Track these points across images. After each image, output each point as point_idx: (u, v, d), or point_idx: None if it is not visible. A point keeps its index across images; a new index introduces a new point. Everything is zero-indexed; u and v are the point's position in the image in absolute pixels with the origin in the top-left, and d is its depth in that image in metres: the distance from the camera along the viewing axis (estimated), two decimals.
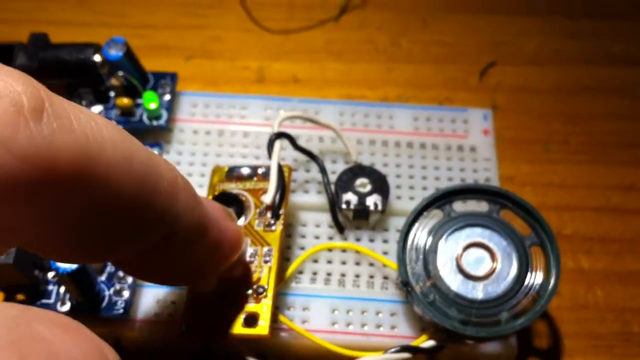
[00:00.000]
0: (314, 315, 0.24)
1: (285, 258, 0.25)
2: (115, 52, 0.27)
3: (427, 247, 0.24)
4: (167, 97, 0.28)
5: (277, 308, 0.24)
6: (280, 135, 0.26)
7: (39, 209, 0.13)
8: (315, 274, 0.25)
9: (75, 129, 0.13)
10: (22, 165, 0.12)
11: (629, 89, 0.33)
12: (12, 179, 0.12)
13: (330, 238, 0.26)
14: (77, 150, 0.13)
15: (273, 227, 0.24)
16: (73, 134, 0.13)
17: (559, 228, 0.28)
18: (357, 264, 0.25)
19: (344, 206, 0.26)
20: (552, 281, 0.23)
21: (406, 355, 0.23)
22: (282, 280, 0.24)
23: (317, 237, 0.26)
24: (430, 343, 0.23)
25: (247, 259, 0.23)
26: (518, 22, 0.35)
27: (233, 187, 0.25)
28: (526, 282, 0.23)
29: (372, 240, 0.26)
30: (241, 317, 0.22)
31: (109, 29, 0.34)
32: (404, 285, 0.23)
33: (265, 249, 0.23)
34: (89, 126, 0.14)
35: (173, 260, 0.18)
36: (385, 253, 0.26)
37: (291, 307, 0.24)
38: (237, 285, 0.23)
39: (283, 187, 0.24)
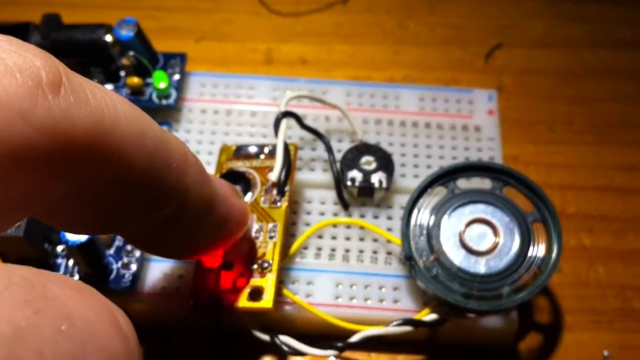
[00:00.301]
0: (318, 290, 0.25)
1: (290, 234, 0.26)
2: (126, 33, 0.28)
3: (430, 222, 0.24)
4: (177, 76, 0.29)
5: (282, 282, 0.25)
6: (286, 114, 0.26)
7: (55, 180, 0.14)
8: (319, 249, 0.26)
9: (91, 103, 0.14)
10: (40, 136, 0.13)
11: (634, 71, 0.33)
12: (30, 149, 0.13)
13: (335, 215, 0.27)
14: (92, 123, 0.14)
15: (278, 204, 0.24)
16: (89, 107, 0.14)
17: (562, 207, 0.29)
18: (361, 239, 0.26)
19: (349, 183, 0.26)
20: (554, 256, 0.23)
21: (408, 328, 0.23)
22: (286, 256, 0.25)
23: (322, 214, 0.27)
24: (432, 317, 0.24)
25: (253, 234, 0.24)
26: (524, 5, 0.36)
27: (240, 165, 0.25)
28: (528, 257, 0.23)
29: (376, 217, 0.26)
30: (246, 291, 0.23)
31: (121, 10, 0.34)
32: (408, 259, 0.24)
33: (271, 225, 0.24)
34: (104, 101, 0.14)
35: (181, 234, 0.19)
36: (389, 229, 0.26)
37: (296, 282, 0.25)
38: (243, 260, 0.23)
39: (289, 165, 0.25)
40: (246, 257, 0.23)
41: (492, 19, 0.35)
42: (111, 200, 0.16)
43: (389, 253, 0.26)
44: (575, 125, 0.31)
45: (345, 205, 0.26)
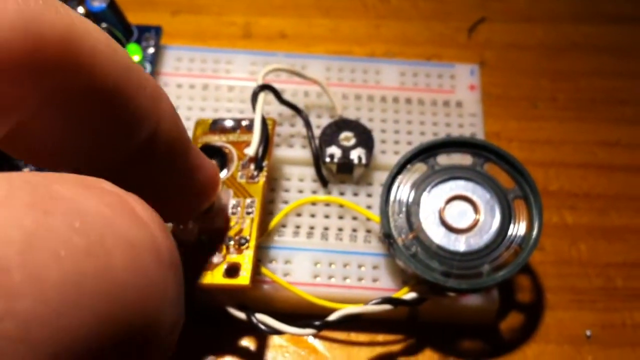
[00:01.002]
0: (296, 268, 0.24)
1: (268, 212, 0.25)
2: (98, 4, 0.27)
3: (410, 200, 0.23)
4: (151, 50, 0.28)
5: (260, 261, 0.24)
6: (264, 87, 0.25)
7: (28, 86, 0.13)
8: (298, 227, 0.25)
9: (61, 11, 0.14)
10: (11, 34, 0.13)
11: (618, 46, 0.32)
12: (2, 49, 0.12)
13: (314, 192, 0.26)
14: (64, 28, 0.14)
15: (256, 179, 0.24)
16: (59, 14, 0.14)
17: (545, 184, 0.28)
18: (341, 217, 0.25)
19: (327, 160, 0.25)
20: (534, 234, 0.23)
21: (387, 307, 0.23)
22: (264, 232, 0.24)
23: (300, 191, 0.26)
24: (412, 295, 0.23)
25: (230, 210, 0.23)
26: None
27: (216, 140, 0.25)
28: (508, 235, 0.23)
29: (356, 195, 0.26)
30: (222, 268, 0.22)
31: None
32: (387, 237, 0.23)
33: (248, 200, 0.23)
34: (74, 14, 0.14)
35: (154, 173, 0.18)
36: (369, 207, 0.26)
37: (273, 260, 0.24)
38: (218, 237, 0.23)
39: (267, 140, 0.24)
40: (221, 233, 0.23)
41: None
42: (85, 117, 0.15)
43: (368, 231, 0.25)
44: (558, 101, 0.31)
45: (324, 182, 0.26)
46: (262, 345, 0.25)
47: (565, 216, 0.28)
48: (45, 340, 0.09)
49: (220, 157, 0.24)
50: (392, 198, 0.24)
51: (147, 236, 0.12)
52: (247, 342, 0.25)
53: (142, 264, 0.12)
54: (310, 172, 0.26)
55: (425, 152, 0.24)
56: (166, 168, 0.19)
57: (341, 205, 0.25)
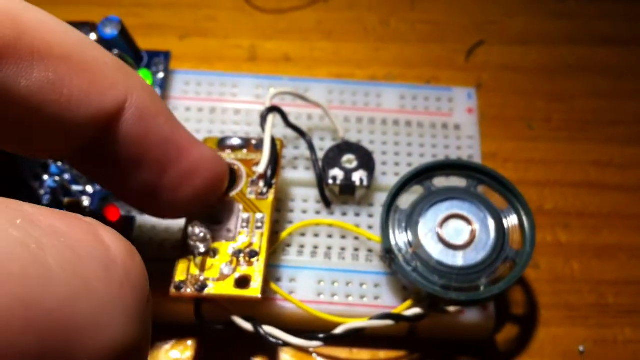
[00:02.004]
0: (300, 287, 0.25)
1: (274, 231, 0.26)
2: (110, 31, 0.28)
3: (409, 218, 0.25)
4: (161, 75, 0.29)
5: (268, 275, 0.25)
6: (273, 109, 0.26)
7: None
8: (302, 247, 0.26)
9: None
10: None
11: (611, 68, 0.34)
12: None
13: (318, 212, 0.27)
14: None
15: (265, 196, 0.24)
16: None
17: (540, 203, 0.29)
18: (343, 237, 0.26)
19: (330, 181, 0.26)
20: (528, 249, 0.24)
21: (389, 322, 0.24)
22: (272, 247, 0.25)
23: (304, 212, 0.27)
24: (413, 311, 0.24)
25: (240, 224, 0.24)
26: (505, 1, 0.36)
27: (225, 157, 0.26)
28: (503, 251, 0.24)
29: (357, 215, 0.27)
30: (233, 279, 0.23)
31: (104, 8, 0.34)
32: (388, 252, 0.24)
33: (258, 215, 0.24)
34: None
35: (139, 150, 0.19)
36: (370, 227, 0.27)
37: (279, 279, 0.25)
38: (228, 249, 0.23)
39: (276, 158, 0.25)
40: (228, 246, 0.23)
41: (473, 16, 0.35)
42: (35, 84, 0.16)
43: (370, 250, 0.26)
44: (553, 122, 0.32)
45: (327, 203, 0.27)
46: None
47: (559, 235, 0.29)
48: None
49: (230, 173, 0.25)
50: (392, 216, 0.25)
51: (100, 252, 0.12)
52: (251, 357, 0.26)
53: (84, 270, 0.12)
54: (313, 193, 0.27)
55: (422, 175, 0.25)
56: (152, 145, 0.19)
57: (343, 228, 0.26)
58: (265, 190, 0.25)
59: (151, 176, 0.20)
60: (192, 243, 0.23)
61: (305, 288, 0.25)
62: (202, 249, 0.23)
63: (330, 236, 0.26)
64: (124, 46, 0.28)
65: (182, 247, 0.24)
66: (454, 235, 0.24)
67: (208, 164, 0.21)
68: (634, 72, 0.34)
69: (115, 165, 0.19)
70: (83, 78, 0.17)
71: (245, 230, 0.24)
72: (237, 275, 0.23)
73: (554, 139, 0.31)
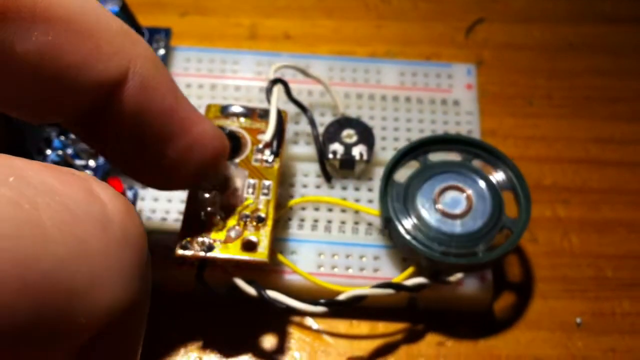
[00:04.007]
0: (301, 259, 0.26)
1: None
2: (111, 7, 0.28)
3: (407, 190, 0.25)
4: (162, 51, 0.29)
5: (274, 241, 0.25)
6: (277, 80, 0.26)
7: None
8: (303, 220, 0.27)
9: None
10: None
11: (612, 46, 0.34)
12: None
13: (318, 187, 0.27)
14: None
15: (271, 164, 0.25)
16: None
17: (539, 179, 0.29)
18: (343, 211, 0.27)
19: (331, 156, 0.27)
20: (523, 218, 0.24)
21: (390, 291, 0.24)
22: (278, 211, 0.26)
23: (305, 186, 0.27)
24: (413, 281, 0.24)
25: (246, 190, 0.24)
26: None
27: (229, 124, 0.26)
28: (500, 220, 0.24)
29: (357, 189, 0.27)
30: (240, 242, 0.23)
31: None
32: (387, 221, 0.24)
33: (265, 182, 0.24)
34: None
35: (141, 122, 0.18)
36: (370, 201, 0.27)
37: (280, 252, 0.26)
38: (235, 213, 0.23)
39: (281, 129, 0.25)
40: (237, 211, 0.23)
41: None
42: (33, 48, 0.16)
43: (369, 224, 0.26)
44: (553, 99, 0.32)
45: (327, 177, 0.27)
46: (268, 334, 0.26)
47: (558, 210, 0.29)
48: None
49: (234, 140, 0.25)
50: (390, 188, 0.25)
51: (95, 209, 0.12)
52: (254, 330, 0.26)
53: (80, 229, 0.12)
54: (314, 167, 0.28)
55: (417, 149, 0.26)
56: (152, 118, 0.18)
57: (342, 205, 0.27)
58: (271, 158, 0.25)
59: (153, 148, 0.19)
60: (198, 206, 0.23)
61: (306, 260, 0.26)
62: (208, 211, 0.23)
63: (330, 210, 0.27)
64: (125, 22, 0.28)
65: (187, 210, 0.23)
66: (451, 205, 0.25)
67: (210, 138, 0.21)
68: (635, 50, 0.34)
69: (117, 135, 0.19)
70: (85, 44, 0.16)
71: (252, 196, 0.24)
72: (244, 238, 0.23)
73: (555, 115, 0.31)
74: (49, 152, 0.27)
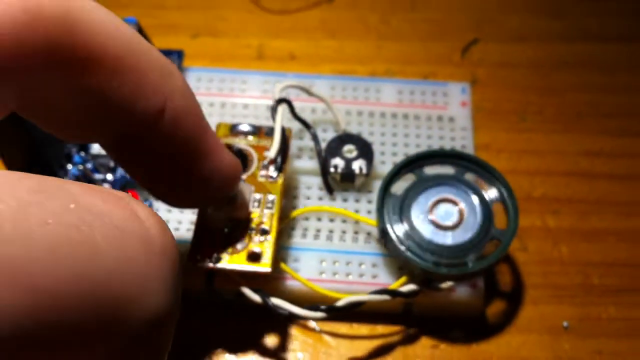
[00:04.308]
0: (304, 266, 0.27)
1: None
2: None
3: (402, 202, 0.27)
4: None
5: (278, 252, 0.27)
6: (282, 100, 0.28)
7: (27, 54, 0.15)
8: (306, 230, 0.28)
9: None
10: (9, 8, 0.15)
11: (602, 63, 0.35)
12: (6, 22, 0.15)
13: (321, 199, 0.29)
14: (60, 4, 0.16)
15: (275, 179, 0.27)
16: None
17: (529, 191, 0.31)
18: (344, 221, 0.28)
19: (332, 170, 0.29)
20: (512, 229, 0.26)
21: (386, 297, 0.26)
22: (282, 222, 0.27)
23: (308, 198, 0.29)
24: (407, 287, 0.26)
25: (252, 204, 0.26)
26: (501, 1, 0.38)
27: (237, 142, 0.28)
28: (489, 231, 0.26)
29: (357, 201, 0.29)
30: (245, 253, 0.25)
31: (122, 9, 0.36)
32: (383, 233, 0.26)
33: (269, 197, 0.26)
34: None
35: (170, 151, 0.20)
36: (369, 212, 0.29)
37: (285, 259, 0.27)
38: (241, 227, 0.25)
39: (285, 145, 0.27)
40: (244, 223, 0.25)
41: (470, 14, 0.37)
42: (87, 85, 0.17)
43: (368, 233, 0.28)
44: (545, 114, 0.34)
45: (329, 190, 0.29)
46: (273, 335, 0.27)
47: (548, 220, 0.30)
48: (23, 279, 0.11)
49: (242, 157, 0.27)
50: (386, 201, 0.27)
51: (138, 228, 0.13)
52: (260, 333, 0.27)
53: (127, 246, 0.13)
54: (317, 180, 0.29)
55: (413, 163, 0.27)
56: (182, 144, 0.20)
57: (343, 214, 0.28)
58: (275, 174, 0.27)
59: (179, 171, 0.21)
60: (208, 220, 0.25)
61: (308, 267, 0.27)
62: (217, 225, 0.25)
63: (331, 220, 0.28)
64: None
65: (197, 224, 0.25)
66: (443, 217, 0.26)
67: (228, 165, 0.22)
68: (623, 68, 0.35)
69: (147, 158, 0.20)
70: (129, 84, 0.17)
71: (257, 210, 0.26)
72: (249, 251, 0.25)
73: (546, 130, 0.33)
74: (69, 166, 0.29)
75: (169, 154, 0.20)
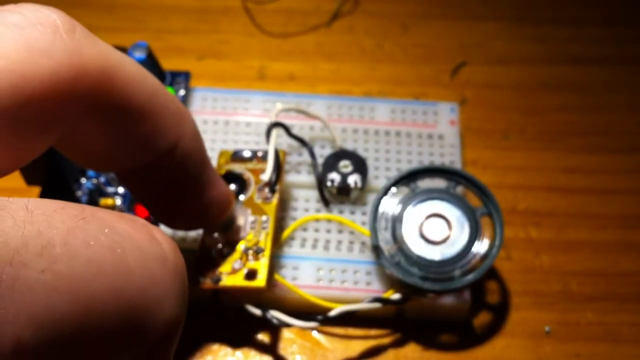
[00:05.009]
0: (302, 274, 0.29)
1: (280, 227, 0.30)
2: (139, 55, 0.32)
3: (394, 217, 0.29)
4: (182, 92, 0.33)
5: (273, 268, 0.29)
6: (276, 124, 0.31)
7: (69, 106, 0.17)
8: (304, 240, 0.30)
9: (100, 44, 0.18)
10: (60, 66, 0.17)
11: (580, 85, 0.38)
12: (53, 77, 0.17)
13: (318, 211, 0.31)
14: (101, 59, 0.18)
15: (270, 200, 0.29)
16: (98, 48, 0.18)
17: (514, 204, 0.33)
18: (340, 232, 0.30)
19: (329, 184, 0.31)
20: (497, 243, 0.28)
21: (377, 305, 0.28)
22: (277, 243, 0.29)
23: (306, 210, 0.31)
24: (397, 296, 0.28)
25: (248, 226, 0.28)
26: (487, 26, 0.40)
27: (237, 167, 0.30)
28: (476, 245, 0.28)
29: (352, 213, 0.31)
30: (243, 272, 0.27)
31: (132, 33, 0.39)
32: (375, 248, 0.28)
33: (264, 217, 0.28)
34: (111, 48, 0.19)
35: (176, 180, 0.22)
36: (363, 223, 0.31)
37: (284, 267, 0.29)
38: (238, 248, 0.28)
39: (279, 167, 0.29)
40: (241, 245, 0.28)
41: (458, 39, 0.40)
42: (116, 128, 0.19)
43: (362, 243, 0.30)
44: (527, 133, 0.36)
45: (326, 202, 0.31)
46: (273, 339, 0.29)
47: (531, 232, 0.32)
48: (68, 292, 0.13)
49: (241, 181, 0.29)
50: (379, 216, 0.29)
51: (158, 250, 0.16)
52: (261, 337, 0.29)
53: (150, 265, 0.15)
54: (314, 194, 0.31)
55: (407, 178, 0.29)
56: (185, 177, 0.23)
57: (340, 222, 0.30)
58: (269, 195, 0.29)
59: (178, 201, 0.24)
60: (209, 244, 0.28)
61: (306, 275, 0.29)
62: (217, 248, 0.28)
63: (328, 231, 0.30)
64: (151, 67, 0.32)
65: (200, 247, 0.28)
66: (433, 232, 0.28)
67: (224, 196, 0.25)
68: (600, 89, 0.37)
69: (151, 186, 0.23)
70: (149, 126, 0.20)
71: (253, 231, 0.28)
72: (245, 269, 0.27)
73: (528, 148, 0.35)
74: (84, 180, 0.31)
75: (175, 184, 0.23)
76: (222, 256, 0.27)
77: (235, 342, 0.29)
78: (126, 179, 0.23)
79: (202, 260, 0.28)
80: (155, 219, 0.26)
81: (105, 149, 0.20)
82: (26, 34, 0.16)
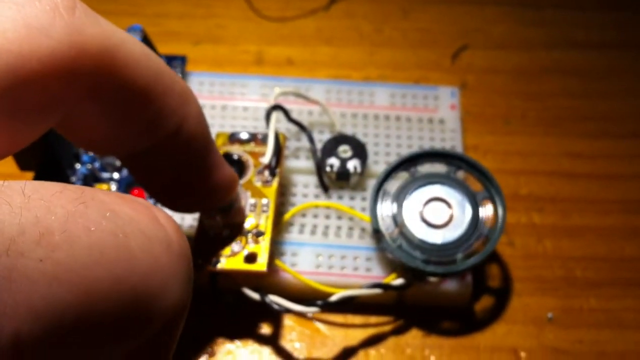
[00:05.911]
0: (301, 260, 0.29)
1: (278, 213, 0.30)
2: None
3: (395, 201, 0.28)
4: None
5: (273, 252, 0.29)
6: (276, 107, 0.30)
7: (74, 84, 0.17)
8: (303, 226, 0.30)
9: (102, 23, 0.17)
10: (59, 45, 0.16)
11: (582, 70, 0.37)
12: (52, 57, 0.16)
13: (317, 197, 0.31)
14: (103, 38, 0.17)
15: (270, 184, 0.28)
16: (100, 27, 0.17)
17: (515, 189, 0.33)
18: (339, 217, 0.30)
19: (328, 169, 0.30)
20: (499, 227, 0.27)
21: (378, 290, 0.27)
22: (276, 227, 0.29)
23: (305, 196, 0.31)
24: (399, 281, 0.28)
25: (248, 208, 0.28)
26: (488, 10, 0.40)
27: (235, 150, 0.29)
28: (478, 229, 0.27)
29: (352, 198, 0.31)
30: (242, 255, 0.26)
31: (128, 17, 0.38)
32: (376, 232, 0.28)
33: (264, 200, 0.28)
34: (113, 27, 0.18)
35: (180, 163, 0.22)
36: (363, 209, 0.30)
37: (283, 254, 0.29)
38: (238, 230, 0.27)
39: (279, 151, 0.29)
40: (241, 227, 0.27)
41: (459, 24, 0.39)
42: (119, 110, 0.19)
43: (362, 229, 0.30)
44: (528, 118, 0.35)
45: (325, 188, 0.31)
46: (272, 327, 0.29)
47: (534, 217, 0.32)
48: (69, 281, 0.12)
49: (239, 164, 0.29)
50: (380, 200, 0.28)
51: (161, 233, 0.15)
52: (260, 324, 0.29)
53: (154, 250, 0.14)
54: (313, 179, 0.31)
55: (407, 162, 0.29)
56: (190, 160, 0.22)
57: (339, 209, 0.30)
58: (270, 178, 0.28)
59: (182, 184, 0.23)
60: (208, 226, 0.27)
61: (305, 261, 0.29)
62: (216, 230, 0.27)
63: (327, 217, 0.30)
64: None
65: (198, 228, 0.27)
66: (434, 215, 0.28)
67: (227, 181, 0.25)
68: (603, 74, 0.37)
69: (155, 169, 0.23)
70: (154, 107, 0.19)
71: (253, 214, 0.27)
72: (245, 252, 0.26)
73: (529, 133, 0.35)
74: (78, 165, 0.31)
75: (179, 167, 0.22)
76: (221, 239, 0.27)
77: (234, 329, 0.29)
78: (128, 162, 0.22)
79: (200, 243, 0.27)
80: (156, 202, 0.26)
81: (107, 132, 0.20)
82: (24, 11, 0.16)
